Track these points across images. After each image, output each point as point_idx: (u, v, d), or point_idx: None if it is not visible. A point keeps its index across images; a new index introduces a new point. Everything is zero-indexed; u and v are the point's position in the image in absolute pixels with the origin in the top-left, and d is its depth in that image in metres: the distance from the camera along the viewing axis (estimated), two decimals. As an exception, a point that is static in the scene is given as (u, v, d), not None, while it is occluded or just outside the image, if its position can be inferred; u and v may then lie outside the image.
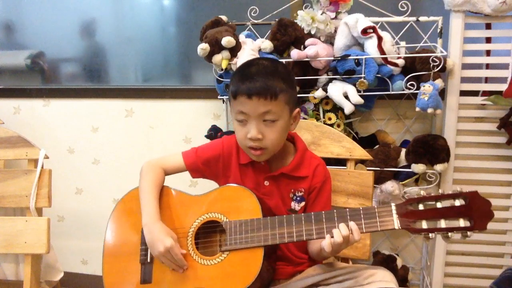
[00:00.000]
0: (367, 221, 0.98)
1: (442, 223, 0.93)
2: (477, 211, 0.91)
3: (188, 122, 1.94)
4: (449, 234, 0.92)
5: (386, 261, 1.69)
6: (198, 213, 1.12)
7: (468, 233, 0.91)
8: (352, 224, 0.98)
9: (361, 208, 1.00)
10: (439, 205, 0.94)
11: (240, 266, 1.03)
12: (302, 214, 1.04)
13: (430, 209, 0.94)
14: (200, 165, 1.20)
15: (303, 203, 1.16)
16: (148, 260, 1.12)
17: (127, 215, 1.19)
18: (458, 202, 0.93)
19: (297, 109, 1.12)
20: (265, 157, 1.11)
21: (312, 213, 1.03)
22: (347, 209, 1.01)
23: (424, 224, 0.94)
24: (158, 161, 1.22)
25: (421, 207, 0.95)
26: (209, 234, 1.13)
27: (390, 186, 1.59)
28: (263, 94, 1.02)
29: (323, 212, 1.02)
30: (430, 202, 0.95)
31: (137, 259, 1.13)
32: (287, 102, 1.07)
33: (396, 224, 0.95)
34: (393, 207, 0.97)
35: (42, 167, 1.32)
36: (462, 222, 0.91)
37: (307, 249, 1.17)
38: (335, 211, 1.01)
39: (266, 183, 1.15)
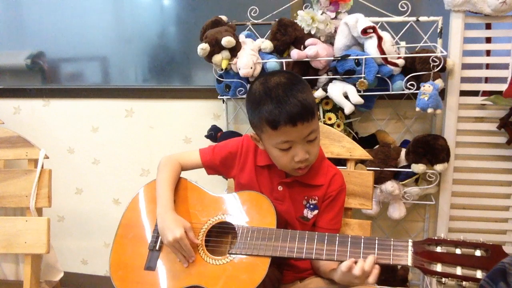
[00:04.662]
0: (380, 252, 0.96)
1: (458, 270, 0.88)
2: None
3: (188, 122, 1.94)
4: (464, 283, 0.87)
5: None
6: (213, 213, 1.14)
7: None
8: (376, 267, 0.95)
9: (376, 238, 0.98)
10: (458, 251, 0.90)
11: (244, 271, 1.03)
12: (316, 233, 1.03)
13: (448, 253, 0.91)
14: (216, 162, 1.21)
15: (316, 211, 1.14)
16: (157, 247, 1.13)
17: (148, 201, 1.21)
18: (479, 253, 0.89)
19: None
20: (306, 170, 1.09)
21: (326, 234, 1.02)
22: (362, 237, 0.99)
23: (439, 267, 0.90)
24: (177, 156, 1.24)
25: (439, 249, 0.92)
26: (221, 235, 1.14)
27: (390, 186, 1.59)
28: (305, 117, 0.99)
29: (337, 235, 1.01)
30: (449, 247, 0.92)
31: (146, 245, 1.15)
32: (317, 113, 1.05)
33: (410, 260, 0.93)
34: (410, 243, 0.95)
35: (42, 167, 1.32)
36: (479, 274, 0.86)
37: (312, 262, 1.17)
38: (350, 236, 1.00)
39: (280, 188, 1.14)
